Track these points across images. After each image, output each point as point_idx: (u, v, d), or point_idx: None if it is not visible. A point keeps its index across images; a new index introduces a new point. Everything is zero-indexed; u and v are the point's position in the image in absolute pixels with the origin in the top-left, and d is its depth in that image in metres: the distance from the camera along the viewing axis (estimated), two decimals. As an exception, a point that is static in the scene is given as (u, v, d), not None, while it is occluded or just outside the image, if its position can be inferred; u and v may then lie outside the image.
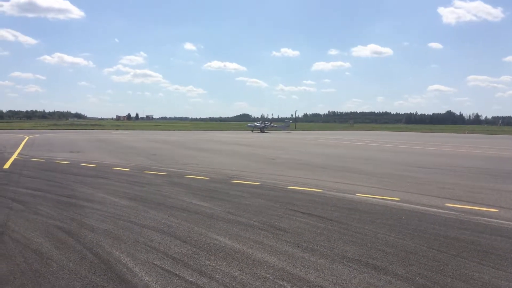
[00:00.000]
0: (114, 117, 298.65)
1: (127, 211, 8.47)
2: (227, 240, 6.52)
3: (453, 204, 9.70)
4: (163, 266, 5.33)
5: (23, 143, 32.27)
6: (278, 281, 4.90)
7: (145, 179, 13.20)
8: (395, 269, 5.38)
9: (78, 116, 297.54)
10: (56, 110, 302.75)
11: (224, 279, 4.94)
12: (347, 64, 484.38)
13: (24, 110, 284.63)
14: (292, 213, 8.52)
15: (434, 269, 5.40)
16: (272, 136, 57.00)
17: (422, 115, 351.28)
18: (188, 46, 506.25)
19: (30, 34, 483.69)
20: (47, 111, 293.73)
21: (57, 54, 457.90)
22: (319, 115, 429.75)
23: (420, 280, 5.02)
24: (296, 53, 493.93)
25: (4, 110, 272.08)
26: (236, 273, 5.11)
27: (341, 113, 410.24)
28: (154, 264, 5.39)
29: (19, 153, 22.40)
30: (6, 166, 16.39)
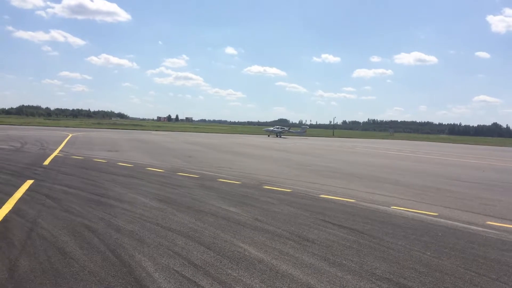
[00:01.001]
0: (155, 118, 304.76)
1: (155, 213, 8.42)
2: (252, 249, 6.32)
3: (495, 222, 9.15)
4: (183, 273, 5.19)
5: (66, 140, 33.26)
6: (300, 297, 4.66)
7: (178, 181, 13.20)
8: (428, 290, 5.03)
9: (120, 116, 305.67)
10: (100, 110, 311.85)
11: (244, 290, 4.75)
12: (389, 72, 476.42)
13: (71, 109, 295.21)
14: (322, 223, 8.24)
15: (471, 293, 5.02)
16: (309, 142, 56.45)
17: (466, 126, 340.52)
18: (229, 50, 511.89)
19: (79, 36, 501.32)
20: (92, 110, 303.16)
21: (104, 55, 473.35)
22: (358, 122, 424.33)
23: (454, 305, 4.66)
24: (337, 59, 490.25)
25: (52, 108, 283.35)
26: (257, 285, 4.91)
27: (381, 122, 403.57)
28: (175, 270, 5.26)
29: (60, 150, 23.03)
30: (46, 162, 16.81)
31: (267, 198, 10.71)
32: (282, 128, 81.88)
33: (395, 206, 10.49)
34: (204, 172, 15.86)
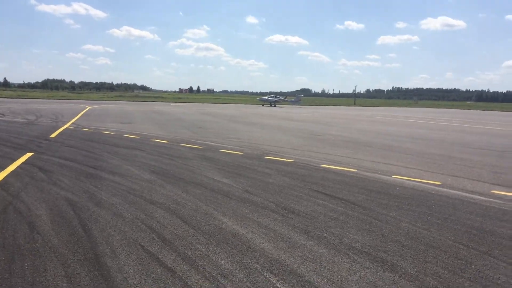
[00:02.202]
0: (177, 90, 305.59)
1: (143, 185, 8.23)
2: (230, 222, 6.06)
3: (500, 191, 8.66)
4: (148, 248, 4.96)
5: (82, 113, 33.45)
6: (265, 274, 4.39)
7: (179, 152, 13.00)
8: (406, 266, 4.69)
9: (143, 88, 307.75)
10: (123, 82, 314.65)
11: (206, 267, 4.50)
12: (415, 38, 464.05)
13: (94, 82, 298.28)
14: (314, 194, 7.91)
15: (453, 268, 4.66)
16: (327, 111, 55.63)
17: (495, 93, 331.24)
18: (251, 19, 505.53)
19: (100, 8, 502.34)
20: (115, 83, 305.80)
21: (125, 27, 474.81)
22: (382, 91, 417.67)
23: (430, 282, 4.32)
24: (361, 26, 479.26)
25: (76, 82, 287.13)
26: (222, 261, 4.65)
27: (406, 89, 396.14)
28: (141, 245, 5.05)
29: (72, 123, 23.11)
30: (54, 135, 16.83)
31: (265, 169, 10.41)
32: (277, 97, 79.02)
33: (397, 175, 10.07)
34: (209, 142, 15.63)
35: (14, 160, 10.63)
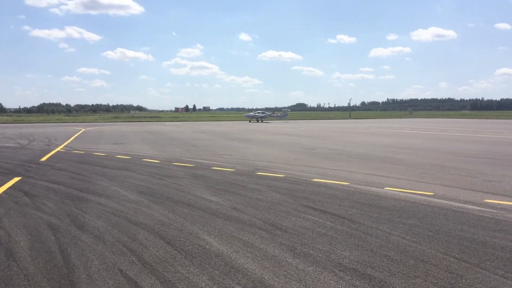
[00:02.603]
0: (173, 109, 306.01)
1: (129, 206, 8.05)
2: (215, 241, 5.88)
3: (494, 200, 8.50)
4: (127, 272, 4.78)
5: (76, 135, 33.30)
6: (246, 295, 4.21)
7: (169, 171, 12.83)
8: (394, 282, 4.51)
9: (139, 109, 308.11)
10: (119, 104, 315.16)
11: (185, 290, 4.32)
12: (407, 49, 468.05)
13: (90, 104, 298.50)
14: (303, 209, 7.75)
15: (443, 283, 4.48)
16: (322, 125, 55.65)
17: (489, 101, 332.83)
18: (243, 36, 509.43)
19: (94, 31, 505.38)
20: (111, 104, 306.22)
21: (119, 49, 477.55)
22: (377, 103, 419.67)
23: (419, 298, 4.14)
24: (353, 39, 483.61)
25: (72, 104, 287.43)
26: (203, 284, 4.47)
27: (401, 101, 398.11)
28: (120, 269, 4.86)
29: (65, 146, 22.94)
30: (44, 158, 16.65)
31: (255, 185, 10.25)
32: (263, 112, 78.73)
33: (390, 187, 9.92)
34: (201, 160, 15.48)
35: (0, 185, 10.45)
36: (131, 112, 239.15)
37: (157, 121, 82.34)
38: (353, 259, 5.17)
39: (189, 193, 9.37)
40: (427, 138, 28.38)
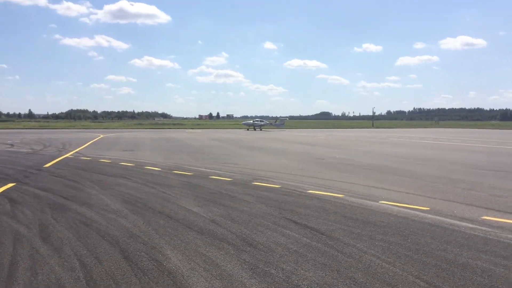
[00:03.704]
0: (197, 116, 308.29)
1: (106, 216, 7.81)
2: (175, 257, 5.56)
3: (493, 217, 7.92)
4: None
5: (92, 141, 33.58)
6: (180, 320, 3.85)
7: (165, 179, 12.60)
8: (349, 309, 4.09)
9: (164, 116, 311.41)
10: (145, 111, 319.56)
11: (117, 312, 4.00)
12: (435, 58, 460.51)
13: (116, 111, 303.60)
14: (284, 223, 7.35)
15: (403, 312, 4.03)
16: (342, 134, 54.84)
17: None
18: (268, 45, 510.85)
19: (122, 39, 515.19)
20: (137, 111, 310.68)
21: (146, 57, 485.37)
22: (403, 112, 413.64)
23: (370, 329, 3.71)
24: (379, 48, 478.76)
25: (99, 111, 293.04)
26: (139, 304, 4.14)
27: (428, 110, 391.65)
28: (61, 287, 4.58)
29: (76, 152, 23.04)
30: (48, 164, 16.67)
31: (245, 196, 9.90)
32: (262, 120, 77.14)
33: (385, 200, 9.41)
34: (203, 169, 15.22)
35: (-11, 191, 10.38)
36: (156, 119, 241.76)
37: (179, 128, 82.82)
38: (314, 281, 4.77)
39: (174, 203, 9.09)
40: (446, 148, 27.47)
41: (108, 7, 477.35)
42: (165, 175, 13.70)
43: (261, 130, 70.88)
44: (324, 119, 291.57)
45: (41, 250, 5.83)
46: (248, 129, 72.93)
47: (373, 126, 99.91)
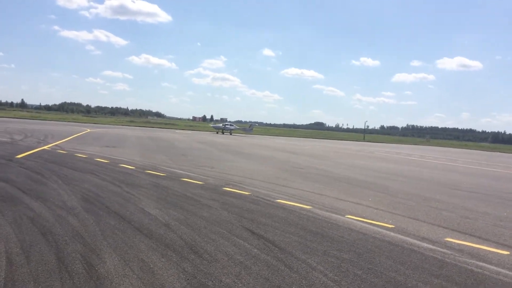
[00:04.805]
0: (191, 117, 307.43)
1: (56, 213, 7.49)
2: (111, 262, 5.27)
3: (455, 239, 7.71)
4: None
5: (76, 135, 33.14)
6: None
7: (135, 179, 12.27)
8: (276, 330, 3.81)
9: (157, 115, 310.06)
10: (138, 108, 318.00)
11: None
12: (431, 77, 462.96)
13: (110, 107, 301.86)
14: (240, 232, 7.08)
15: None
16: (329, 145, 54.73)
17: (511, 135, 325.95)
18: (267, 52, 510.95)
19: (121, 35, 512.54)
20: (131, 108, 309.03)
21: (144, 55, 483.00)
22: (396, 128, 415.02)
23: None
24: (376, 62, 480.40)
25: (93, 106, 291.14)
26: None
27: (421, 128, 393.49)
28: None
29: (55, 145, 22.63)
30: (21, 155, 16.27)
31: (210, 201, 9.61)
32: (232, 124, 76.02)
33: (352, 215, 9.17)
34: (177, 170, 14.91)
35: None
36: (149, 117, 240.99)
37: (170, 128, 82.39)
38: (248, 297, 4.49)
39: (134, 203, 8.79)
40: (429, 167, 27.37)
41: (109, 2, 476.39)
42: (137, 174, 13.37)
43: (230, 134, 69.99)
44: (318, 129, 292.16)
45: (-28, 245, 5.51)
46: (217, 133, 71.56)
47: (364, 140, 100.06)
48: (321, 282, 5.06)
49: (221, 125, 76.23)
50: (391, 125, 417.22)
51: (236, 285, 4.79)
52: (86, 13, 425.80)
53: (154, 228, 6.99)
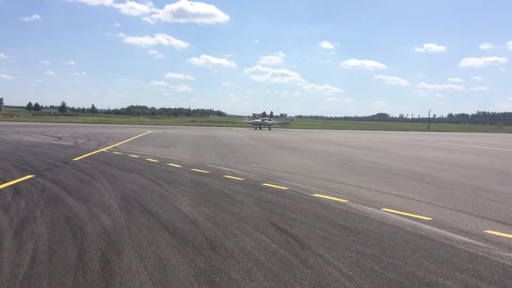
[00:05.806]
0: (251, 115, 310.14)
1: (92, 213, 7.84)
2: (126, 259, 5.43)
3: (497, 231, 7.22)
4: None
5: (135, 137, 34.48)
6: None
7: (178, 177, 12.58)
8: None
9: (219, 114, 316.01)
10: (200, 108, 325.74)
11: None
12: (503, 59, 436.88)
13: (173, 108, 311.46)
14: (265, 228, 7.06)
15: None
16: (390, 136, 53.10)
17: None
18: (325, 44, 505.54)
19: (181, 38, 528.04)
20: (193, 109, 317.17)
21: (204, 55, 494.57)
22: (466, 115, 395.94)
23: None
24: (442, 48, 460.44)
25: (157, 108, 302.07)
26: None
27: (493, 114, 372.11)
28: (-6, 281, 4.57)
29: (113, 147, 23.68)
30: (78, 158, 17.16)
31: (245, 197, 9.65)
32: (269, 119, 74.60)
33: (389, 208, 8.86)
34: (222, 167, 15.12)
35: (2, 183, 10.76)
36: (210, 116, 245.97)
37: (229, 126, 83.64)
38: (252, 293, 4.47)
39: (169, 201, 9.01)
40: (493, 155, 25.82)
41: (169, 7, 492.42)
42: (181, 172, 13.70)
43: (269, 129, 69.58)
44: (380, 121, 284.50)
45: (4, 244, 5.89)
46: (255, 128, 71.36)
47: (428, 129, 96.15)
48: (333, 278, 4.93)
49: (259, 120, 75.87)
50: (460, 112, 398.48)
51: (243, 281, 4.79)
52: (148, 19, 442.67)
53: (180, 225, 7.12)
